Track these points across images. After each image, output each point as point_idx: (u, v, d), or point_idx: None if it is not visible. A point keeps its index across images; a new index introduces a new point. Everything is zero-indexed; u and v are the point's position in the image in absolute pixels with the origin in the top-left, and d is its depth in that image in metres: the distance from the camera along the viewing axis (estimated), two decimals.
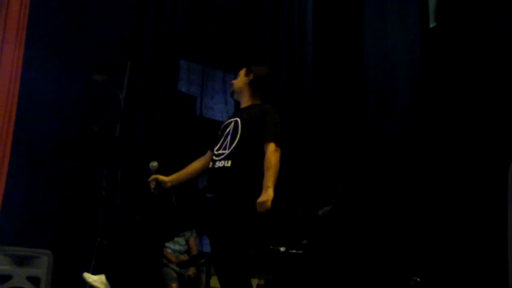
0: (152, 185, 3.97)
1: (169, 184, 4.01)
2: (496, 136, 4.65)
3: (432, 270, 4.71)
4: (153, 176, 3.97)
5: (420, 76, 5.40)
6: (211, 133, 4.39)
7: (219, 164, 3.76)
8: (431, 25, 5.37)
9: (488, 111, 4.80)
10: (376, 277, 4.62)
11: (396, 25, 5.65)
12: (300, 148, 6.35)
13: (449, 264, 4.74)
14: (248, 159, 3.74)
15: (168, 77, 6.63)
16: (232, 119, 3.95)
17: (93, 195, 5.79)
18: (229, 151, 3.76)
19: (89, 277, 3.76)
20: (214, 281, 4.51)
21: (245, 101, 4.05)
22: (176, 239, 5.85)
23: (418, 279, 4.44)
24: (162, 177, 3.98)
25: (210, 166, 3.85)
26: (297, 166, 6.20)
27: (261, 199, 3.55)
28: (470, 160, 4.82)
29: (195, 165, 4.10)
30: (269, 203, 3.54)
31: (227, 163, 3.72)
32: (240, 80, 4.09)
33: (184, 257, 5.75)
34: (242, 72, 4.12)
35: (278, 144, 3.74)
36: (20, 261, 5.29)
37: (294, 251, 4.53)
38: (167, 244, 5.80)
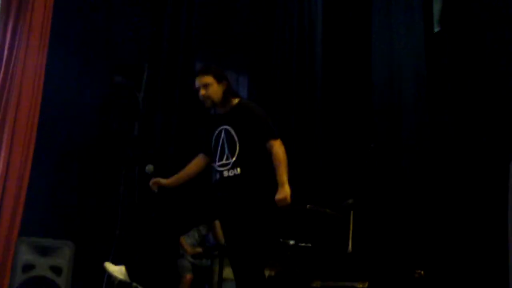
0: (154, 188, 4.11)
1: (169, 187, 4.15)
2: (497, 137, 4.78)
3: (435, 264, 4.83)
4: (153, 180, 4.09)
5: (424, 78, 5.52)
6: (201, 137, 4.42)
7: (228, 173, 3.84)
8: (435, 30, 5.48)
9: (490, 112, 4.93)
10: (384, 269, 4.72)
11: (401, 29, 5.76)
12: (311, 145, 6.47)
13: (452, 257, 4.85)
14: (254, 162, 3.82)
15: (184, 78, 6.77)
16: (221, 128, 3.95)
17: (112, 190, 5.95)
18: (234, 159, 3.81)
19: (109, 266, 3.85)
20: (227, 272, 4.63)
21: (226, 106, 3.99)
22: (191, 232, 5.98)
23: (422, 272, 4.53)
24: (162, 180, 4.10)
25: (218, 176, 3.90)
26: (308, 160, 6.31)
27: (280, 195, 3.64)
28: (473, 157, 4.93)
29: (191, 168, 4.20)
30: (289, 199, 3.64)
31: (237, 170, 3.81)
32: (216, 91, 3.94)
33: (198, 249, 5.87)
34: (212, 81, 3.94)
35: (278, 138, 3.81)
36: (43, 251, 5.42)
37: (303, 244, 4.65)
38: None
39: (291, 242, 4.68)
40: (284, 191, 3.64)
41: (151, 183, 4.10)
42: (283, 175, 3.69)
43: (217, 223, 5.88)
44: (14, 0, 5.81)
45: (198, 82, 3.99)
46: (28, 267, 5.34)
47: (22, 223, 5.54)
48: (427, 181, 5.25)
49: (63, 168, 6.25)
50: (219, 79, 3.97)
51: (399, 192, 5.43)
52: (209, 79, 3.95)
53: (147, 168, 4.13)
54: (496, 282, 4.10)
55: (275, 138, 3.81)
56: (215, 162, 3.95)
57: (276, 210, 3.70)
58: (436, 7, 5.50)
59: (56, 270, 5.42)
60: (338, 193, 5.39)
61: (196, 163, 4.20)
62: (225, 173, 3.85)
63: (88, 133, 6.37)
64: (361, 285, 4.47)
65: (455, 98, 5.24)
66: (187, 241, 5.90)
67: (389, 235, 5.28)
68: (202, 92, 3.95)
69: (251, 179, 3.80)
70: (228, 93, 4.00)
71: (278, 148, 3.77)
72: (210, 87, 3.94)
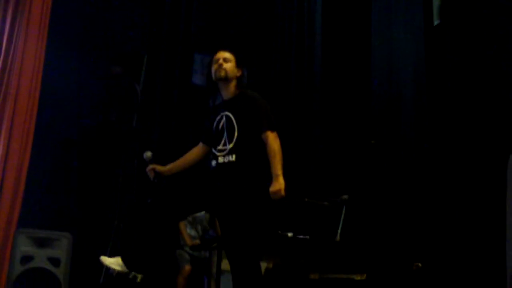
0: (151, 175, 4.06)
1: (166, 174, 4.09)
2: (496, 131, 4.78)
3: (433, 256, 4.85)
4: (151, 166, 4.05)
5: (424, 70, 5.51)
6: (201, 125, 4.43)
7: (223, 159, 3.82)
8: (435, 23, 5.47)
9: (490, 107, 4.93)
10: (382, 262, 4.73)
11: (401, 22, 5.76)
12: (310, 139, 6.46)
13: (450, 250, 4.86)
14: (250, 150, 3.80)
15: (183, 70, 6.77)
16: (222, 114, 3.95)
17: (111, 181, 5.99)
18: (231, 145, 3.80)
19: (105, 259, 3.85)
20: (226, 264, 4.65)
21: (231, 91, 4.01)
22: (192, 225, 6.01)
23: (420, 265, 4.57)
24: (159, 167, 4.06)
25: (214, 163, 3.89)
26: (306, 153, 6.31)
27: (274, 187, 3.62)
28: (471, 152, 4.93)
29: (190, 156, 4.17)
30: (282, 191, 3.62)
31: (232, 157, 3.78)
32: (232, 69, 4.00)
33: (197, 241, 5.87)
34: (232, 59, 4.02)
35: (275, 131, 3.79)
36: (41, 243, 5.44)
37: (301, 236, 4.66)
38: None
39: (290, 234, 4.68)
40: (279, 183, 3.63)
41: (148, 169, 4.07)
42: (277, 168, 3.68)
43: None
44: None
45: (220, 55, 4.04)
46: (26, 259, 5.37)
47: (20, 214, 5.55)
48: (425, 175, 5.25)
49: (62, 160, 6.26)
50: (238, 63, 4.04)
51: (397, 186, 5.43)
52: (231, 56, 4.03)
53: (145, 154, 4.11)
54: (493, 274, 4.11)
55: (272, 130, 3.80)
56: (213, 147, 3.95)
57: (269, 200, 3.69)
58: (436, 0, 5.48)
59: (54, 261, 5.45)
60: (335, 188, 5.40)
61: (195, 152, 4.18)
62: (220, 159, 3.84)
63: (87, 125, 6.38)
64: (359, 277, 4.49)
65: (454, 91, 5.24)
66: (190, 233, 5.94)
67: (387, 228, 5.29)
68: (221, 62, 3.99)
69: (245, 168, 3.77)
70: (239, 80, 4.03)
71: (273, 140, 3.76)
72: (230, 63, 4.00)
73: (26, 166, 5.66)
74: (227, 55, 4.03)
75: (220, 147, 3.87)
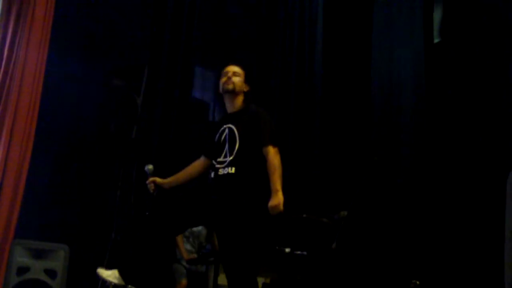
0: (151, 188, 4.09)
1: (166, 187, 4.11)
2: (496, 147, 4.79)
3: (431, 274, 4.83)
4: (151, 179, 4.08)
5: (424, 88, 5.51)
6: (203, 139, 4.45)
7: (223, 171, 3.82)
8: (436, 41, 5.48)
9: (489, 125, 4.93)
10: (379, 279, 4.71)
11: (402, 39, 5.75)
12: (310, 152, 6.44)
13: (448, 267, 4.85)
14: (250, 164, 3.81)
15: (183, 83, 6.79)
16: (226, 126, 3.97)
17: (109, 193, 5.97)
18: (231, 158, 3.81)
19: (102, 272, 3.85)
20: (222, 278, 4.63)
21: (236, 105, 4.05)
22: (191, 239, 6.01)
23: (418, 282, 4.50)
24: (159, 180, 4.09)
25: (213, 174, 3.90)
26: (305, 169, 6.30)
27: (273, 202, 3.62)
28: (470, 168, 4.94)
29: (191, 169, 4.19)
30: (281, 206, 3.62)
31: (231, 169, 3.79)
32: (241, 83, 4.06)
33: (194, 255, 5.86)
34: (242, 74, 4.08)
35: (276, 146, 3.81)
36: (38, 254, 5.44)
37: (299, 252, 4.64)
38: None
39: (287, 249, 4.67)
40: (277, 198, 3.63)
41: (148, 181, 4.09)
42: (276, 183, 3.68)
43: None
44: None
45: (230, 68, 4.11)
46: (22, 270, 5.36)
47: (17, 225, 5.55)
48: (424, 191, 5.25)
49: (60, 171, 6.27)
50: (246, 79, 4.11)
51: (395, 202, 5.42)
52: (240, 71, 4.10)
53: (146, 167, 4.12)
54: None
55: (274, 145, 3.81)
56: (214, 159, 3.95)
57: (267, 215, 3.68)
58: (437, 18, 5.49)
59: (51, 273, 5.45)
60: (334, 204, 5.39)
61: (196, 165, 4.19)
62: (220, 171, 3.85)
63: (86, 135, 6.40)
64: None
65: (454, 109, 5.24)
66: (186, 247, 5.93)
67: (385, 245, 5.28)
68: (230, 75, 4.05)
69: (244, 180, 3.79)
70: (246, 95, 4.09)
71: (273, 155, 3.76)
72: (239, 77, 4.06)
73: (24, 176, 5.65)
74: (237, 69, 4.09)
75: (220, 159, 3.88)
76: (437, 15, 5.52)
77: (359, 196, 4.96)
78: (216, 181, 3.86)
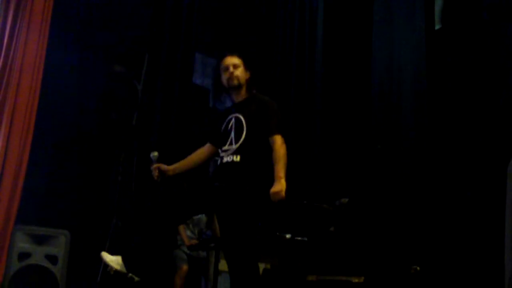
0: (155, 174, 4.04)
1: (170, 173, 4.06)
2: (496, 135, 4.79)
3: (431, 259, 4.85)
4: (155, 165, 4.02)
5: (424, 75, 5.52)
6: (210, 125, 4.42)
7: (227, 159, 3.83)
8: (437, 27, 5.50)
9: (490, 111, 4.94)
10: (380, 265, 4.73)
11: (403, 26, 5.75)
12: (310, 141, 6.46)
13: (448, 253, 4.86)
14: (255, 153, 3.81)
15: (183, 69, 6.79)
16: (232, 115, 3.97)
17: (110, 180, 5.99)
18: (237, 146, 3.81)
19: (106, 256, 3.85)
20: (223, 264, 4.65)
21: (242, 95, 4.05)
22: (191, 226, 6.02)
23: (418, 268, 4.53)
24: (164, 166, 4.04)
25: (218, 162, 3.92)
26: (306, 158, 6.31)
27: (275, 189, 3.62)
28: (471, 155, 4.95)
29: (196, 156, 4.16)
30: (283, 193, 3.62)
31: (236, 157, 3.79)
32: (243, 74, 4.03)
33: (195, 241, 5.88)
34: (241, 64, 4.04)
35: (283, 135, 3.82)
36: (39, 240, 5.47)
37: (299, 238, 4.66)
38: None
39: (288, 235, 4.68)
40: (280, 185, 3.63)
41: (152, 168, 4.04)
42: (280, 171, 3.68)
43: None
44: None
45: (229, 61, 4.05)
46: (24, 256, 5.39)
47: (18, 211, 5.55)
48: (424, 178, 5.26)
49: (61, 157, 6.28)
50: (246, 66, 4.07)
51: (396, 189, 5.43)
52: (239, 61, 4.05)
53: (152, 154, 4.11)
54: (491, 278, 4.11)
55: (280, 133, 3.82)
56: (220, 147, 3.96)
57: (270, 203, 3.68)
58: (437, 5, 5.49)
59: (52, 258, 5.48)
60: (336, 190, 5.41)
61: (201, 152, 4.18)
62: (225, 159, 3.85)
63: (86, 122, 6.41)
64: (356, 280, 4.49)
65: (455, 96, 5.24)
66: (186, 234, 5.94)
67: (385, 231, 5.29)
68: (231, 70, 4.02)
69: (248, 169, 3.78)
70: (250, 82, 4.07)
71: (280, 144, 3.77)
72: (239, 68, 4.02)
73: (25, 163, 5.67)
74: (236, 60, 4.05)
75: (225, 147, 3.89)
76: (437, 2, 5.52)
77: (361, 183, 4.97)
78: (220, 169, 3.88)
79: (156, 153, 4.11)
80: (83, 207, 6.17)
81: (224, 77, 4.05)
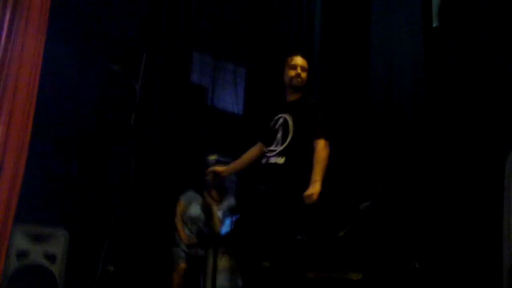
0: (210, 176, 4.15)
1: (224, 175, 4.18)
2: (495, 132, 4.79)
3: (430, 256, 4.85)
4: (211, 168, 4.16)
5: (422, 73, 5.52)
6: (260, 125, 4.47)
7: (272, 160, 3.91)
8: (434, 25, 5.47)
9: (488, 108, 4.94)
10: (379, 261, 4.73)
11: (401, 24, 5.75)
12: None
13: (447, 250, 4.86)
14: (300, 156, 3.87)
15: (181, 68, 6.79)
16: (281, 115, 4.04)
17: (108, 179, 5.98)
18: (282, 148, 3.90)
19: None
20: (221, 263, 4.67)
21: (296, 96, 4.12)
22: (187, 224, 6.03)
23: (417, 264, 4.54)
24: (218, 168, 4.15)
25: (264, 161, 3.98)
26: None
27: (308, 192, 3.68)
28: (469, 151, 4.94)
29: (247, 157, 4.26)
30: (315, 196, 3.67)
31: (281, 159, 3.87)
32: (306, 78, 4.13)
33: (194, 239, 5.90)
34: (307, 68, 4.14)
35: (327, 141, 3.87)
36: (38, 239, 5.44)
37: (299, 236, 4.67)
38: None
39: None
40: (314, 189, 3.67)
41: (207, 171, 4.15)
42: (317, 174, 3.74)
43: (215, 212, 5.93)
44: None
45: (300, 61, 4.15)
46: (22, 255, 5.36)
47: (17, 210, 5.52)
48: (422, 173, 5.26)
49: (59, 156, 6.25)
50: (308, 70, 4.17)
51: (394, 185, 5.43)
52: (307, 65, 4.16)
53: (209, 158, 4.18)
54: (490, 273, 4.12)
55: (325, 138, 3.87)
56: (267, 147, 4.03)
57: (302, 203, 3.73)
58: (435, 2, 5.49)
59: (51, 258, 5.45)
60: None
61: (253, 151, 4.26)
62: (270, 159, 3.93)
63: (84, 121, 6.38)
64: (355, 277, 4.49)
65: (453, 92, 5.24)
66: (185, 232, 5.95)
67: (384, 228, 5.29)
68: (299, 71, 4.10)
69: (292, 172, 3.84)
70: (306, 85, 4.17)
71: (322, 148, 3.83)
72: (306, 72, 4.13)
73: (23, 162, 5.61)
74: (305, 64, 4.14)
75: (272, 147, 3.97)
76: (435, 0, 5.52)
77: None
78: (265, 171, 3.95)
79: (214, 156, 4.19)
80: (81, 206, 6.13)
81: (289, 74, 4.12)
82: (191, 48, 6.98)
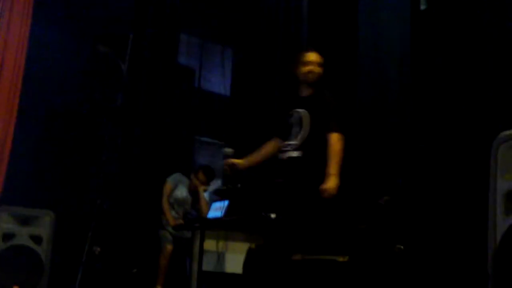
0: (227, 170, 4.13)
1: (241, 167, 4.14)
2: (482, 119, 4.81)
3: (415, 239, 4.88)
4: (228, 161, 4.12)
5: (409, 56, 5.53)
6: (275, 120, 4.49)
7: (288, 154, 3.92)
8: (422, 8, 5.47)
9: (476, 93, 4.95)
10: (364, 244, 4.76)
11: (388, 6, 5.76)
12: None
13: (432, 233, 4.90)
14: (316, 150, 3.86)
15: (168, 50, 6.80)
16: (297, 110, 4.03)
17: (94, 161, 5.96)
18: (298, 142, 3.90)
19: None
20: (208, 244, 4.69)
21: (310, 90, 4.11)
22: (174, 207, 6.03)
23: (402, 247, 4.57)
24: (236, 161, 4.12)
25: (280, 156, 3.99)
26: None
27: (326, 185, 3.68)
28: (456, 139, 4.97)
29: (264, 151, 4.24)
30: (333, 190, 3.69)
31: (298, 153, 3.89)
32: (320, 73, 4.10)
33: (180, 221, 5.90)
34: (321, 63, 4.11)
35: (342, 134, 3.87)
36: (24, 221, 5.47)
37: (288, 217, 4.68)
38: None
39: (273, 215, 4.70)
40: (331, 182, 3.69)
41: (225, 163, 4.13)
42: (333, 167, 3.75)
43: (201, 194, 5.93)
44: None
45: (313, 57, 4.13)
46: (8, 236, 5.39)
47: (3, 192, 5.54)
48: (409, 159, 5.28)
49: (45, 137, 6.26)
50: (322, 65, 4.13)
51: (381, 169, 5.45)
52: (321, 60, 4.13)
53: (225, 150, 4.19)
54: (475, 258, 4.15)
55: (338, 132, 3.87)
56: (283, 141, 4.04)
57: (319, 197, 3.73)
58: None
59: (37, 239, 5.49)
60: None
61: (270, 146, 4.24)
62: (286, 154, 3.94)
63: (71, 102, 6.37)
64: (341, 259, 4.51)
65: (439, 76, 5.24)
66: (171, 214, 5.95)
67: (369, 210, 5.32)
68: (311, 67, 4.08)
69: (309, 165, 3.85)
70: (320, 79, 4.13)
71: (336, 141, 3.83)
72: (319, 68, 4.08)
73: (9, 143, 5.66)
74: (319, 59, 4.12)
75: (288, 142, 3.97)
76: None
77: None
78: (282, 164, 3.95)
79: (230, 150, 4.20)
80: (67, 188, 6.15)
81: (302, 70, 4.10)
82: (178, 28, 6.98)
